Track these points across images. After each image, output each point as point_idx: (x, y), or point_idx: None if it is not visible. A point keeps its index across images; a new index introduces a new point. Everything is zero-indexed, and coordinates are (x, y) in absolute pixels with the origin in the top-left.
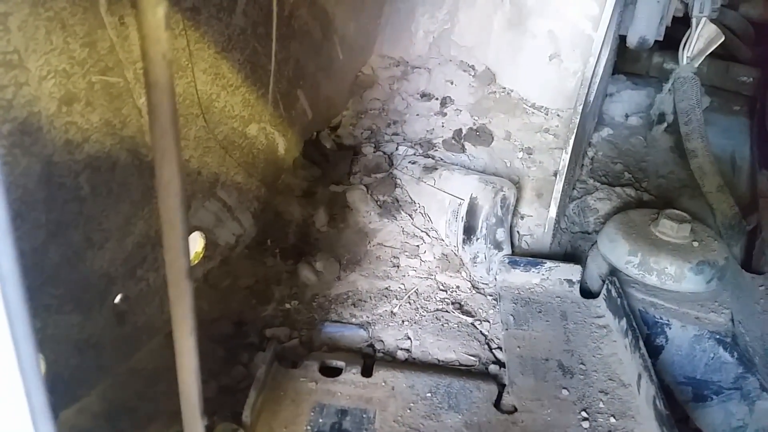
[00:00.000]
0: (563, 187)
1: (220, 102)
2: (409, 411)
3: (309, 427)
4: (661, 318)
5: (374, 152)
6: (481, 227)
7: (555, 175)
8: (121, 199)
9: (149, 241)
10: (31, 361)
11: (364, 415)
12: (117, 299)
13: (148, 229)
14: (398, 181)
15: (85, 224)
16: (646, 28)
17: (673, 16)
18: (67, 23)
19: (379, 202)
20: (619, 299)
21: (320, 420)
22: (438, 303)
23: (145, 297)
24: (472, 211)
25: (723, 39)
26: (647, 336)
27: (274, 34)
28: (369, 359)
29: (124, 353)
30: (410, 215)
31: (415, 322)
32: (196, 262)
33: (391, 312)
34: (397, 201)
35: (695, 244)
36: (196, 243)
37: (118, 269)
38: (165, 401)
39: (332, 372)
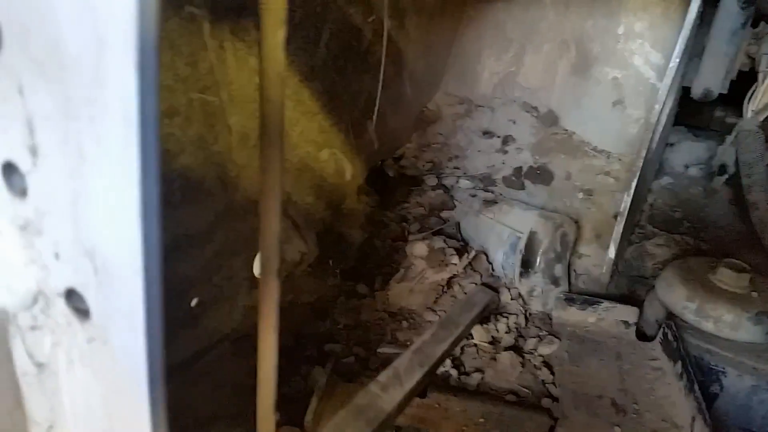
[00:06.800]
0: (623, 229)
1: (299, 127)
2: None
3: None
4: (716, 365)
5: (436, 185)
6: (540, 261)
7: (615, 216)
8: (207, 210)
9: (226, 251)
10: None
11: None
12: (193, 302)
13: (226, 240)
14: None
15: (174, 229)
16: (711, 79)
17: (739, 70)
18: (175, 43)
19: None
20: (675, 343)
21: None
22: None
23: (217, 303)
24: (531, 245)
25: None
26: (701, 383)
27: (383, 67)
28: None
29: (193, 355)
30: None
31: None
32: None
33: None
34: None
35: (754, 294)
36: None
37: (197, 274)
38: (228, 404)
39: None
